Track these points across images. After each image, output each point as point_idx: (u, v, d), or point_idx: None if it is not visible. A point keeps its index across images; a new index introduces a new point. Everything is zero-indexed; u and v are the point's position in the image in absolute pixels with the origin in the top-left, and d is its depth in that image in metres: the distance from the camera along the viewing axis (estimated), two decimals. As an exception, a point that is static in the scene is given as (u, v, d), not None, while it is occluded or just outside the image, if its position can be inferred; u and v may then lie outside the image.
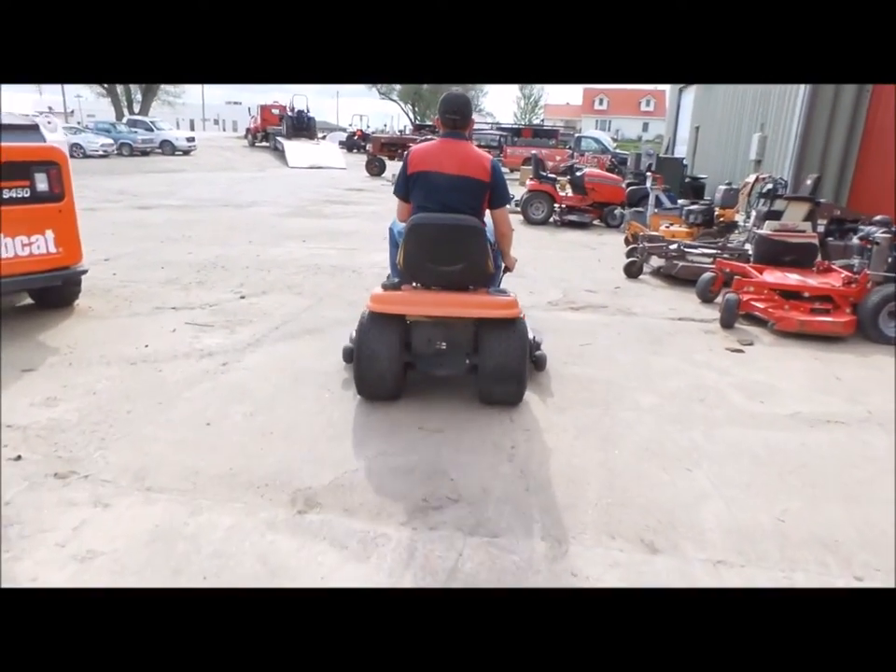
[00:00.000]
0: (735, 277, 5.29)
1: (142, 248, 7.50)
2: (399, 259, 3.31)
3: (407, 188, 3.35)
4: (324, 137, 32.53)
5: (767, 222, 6.88)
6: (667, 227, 8.64)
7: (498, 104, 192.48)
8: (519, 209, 11.26)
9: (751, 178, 8.93)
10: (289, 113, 28.09)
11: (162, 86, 39.63)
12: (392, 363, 3.28)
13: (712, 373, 4.02)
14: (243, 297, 5.48)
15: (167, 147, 27.35)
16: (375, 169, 20.30)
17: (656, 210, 9.72)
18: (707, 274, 5.83)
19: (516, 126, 34.84)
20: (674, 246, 6.70)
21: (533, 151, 17.56)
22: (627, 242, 8.90)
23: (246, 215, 10.78)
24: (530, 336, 3.52)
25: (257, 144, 31.92)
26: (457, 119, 3.29)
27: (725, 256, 6.47)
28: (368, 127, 38.01)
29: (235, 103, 56.67)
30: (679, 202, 11.19)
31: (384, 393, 3.39)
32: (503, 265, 3.66)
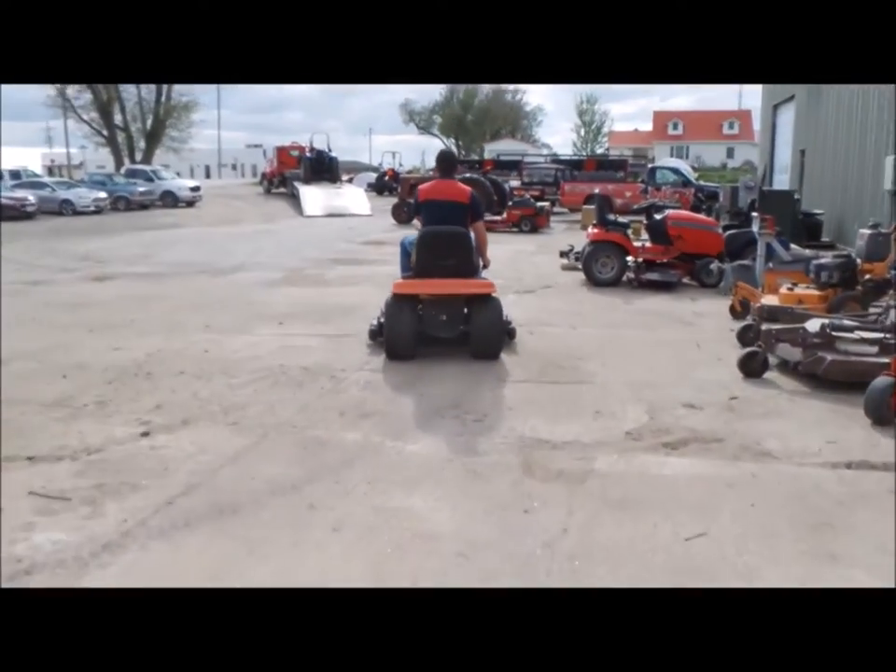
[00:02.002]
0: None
1: (58, 343, 6.30)
2: (412, 259, 5.69)
3: (417, 210, 6.06)
4: (350, 180, 32.19)
5: (963, 288, 5.19)
6: (790, 288, 6.97)
7: (556, 132, 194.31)
8: (580, 265, 9.73)
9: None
10: (308, 154, 27.68)
11: (168, 131, 40.40)
12: (410, 330, 5.48)
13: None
14: (146, 433, 4.09)
15: (168, 199, 27.22)
16: (403, 215, 19.06)
17: (769, 264, 8.06)
18: (883, 380, 4.12)
19: (576, 157, 33.90)
20: (815, 328, 5.02)
21: (596, 189, 16.21)
22: (735, 312, 7.27)
23: (223, 285, 9.68)
24: (504, 313, 5.75)
25: (273, 190, 31.58)
26: (447, 166, 6.14)
27: (901, 343, 4.75)
28: (401, 165, 37.38)
29: (256, 145, 57.34)
30: (794, 248, 9.53)
31: (405, 352, 5.50)
32: (481, 262, 6.00)
